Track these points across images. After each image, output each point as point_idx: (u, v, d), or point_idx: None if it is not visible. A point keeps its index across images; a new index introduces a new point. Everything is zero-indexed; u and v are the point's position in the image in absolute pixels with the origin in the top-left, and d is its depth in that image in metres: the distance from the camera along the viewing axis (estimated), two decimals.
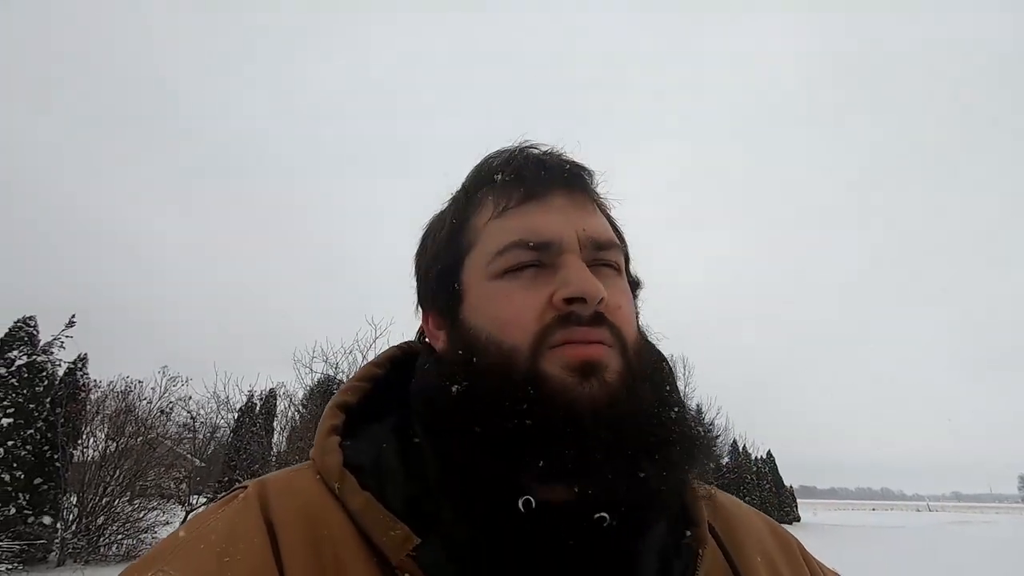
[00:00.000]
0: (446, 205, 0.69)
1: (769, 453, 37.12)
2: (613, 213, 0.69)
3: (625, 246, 0.69)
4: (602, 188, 0.69)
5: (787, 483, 37.55)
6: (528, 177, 0.62)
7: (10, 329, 12.02)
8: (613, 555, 0.52)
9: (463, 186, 0.68)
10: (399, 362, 0.70)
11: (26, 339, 12.01)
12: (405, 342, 0.73)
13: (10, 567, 8.62)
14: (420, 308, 0.69)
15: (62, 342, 12.46)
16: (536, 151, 0.66)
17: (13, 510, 10.44)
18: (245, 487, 0.57)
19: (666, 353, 0.70)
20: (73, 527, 11.47)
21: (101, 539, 11.81)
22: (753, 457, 35.20)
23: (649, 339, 0.65)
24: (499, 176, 0.64)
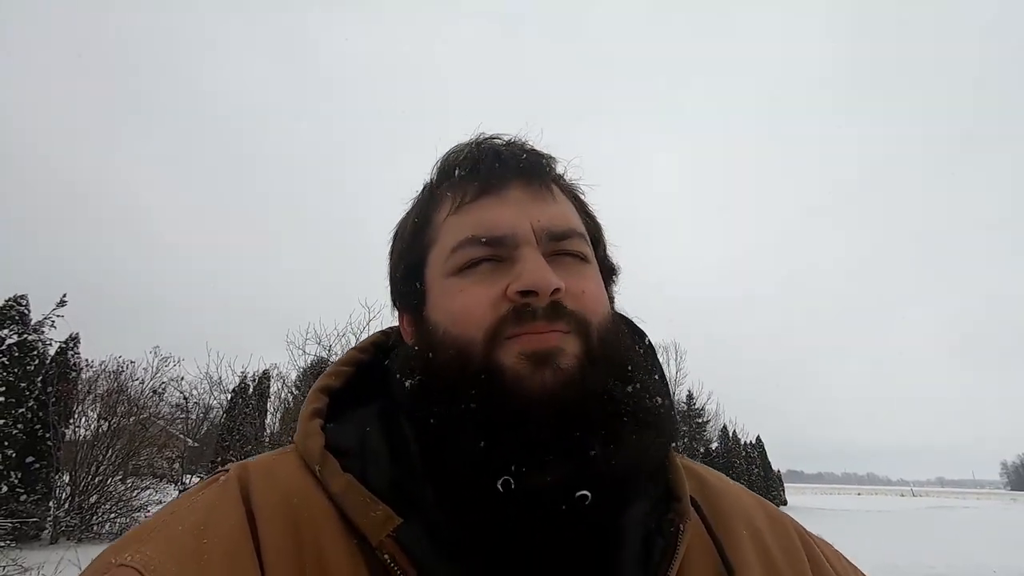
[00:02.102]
0: (412, 203, 0.69)
1: (758, 438, 37.65)
2: (588, 198, 0.69)
3: (596, 231, 0.68)
4: (573, 173, 0.68)
5: (775, 468, 38.14)
6: (483, 170, 0.62)
7: (0, 308, 11.92)
8: (595, 533, 0.52)
9: (426, 183, 0.68)
10: (384, 347, 0.70)
11: (17, 318, 11.92)
12: (390, 327, 0.73)
13: (2, 545, 8.66)
14: (394, 307, 0.70)
15: (53, 321, 12.39)
16: (497, 142, 0.65)
17: (5, 488, 10.45)
18: (227, 470, 0.58)
19: (651, 336, 0.69)
20: (66, 505, 11.50)
21: (94, 517, 11.86)
22: (743, 442, 35.68)
23: (621, 322, 0.64)
24: (457, 171, 0.64)
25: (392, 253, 0.69)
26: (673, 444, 0.61)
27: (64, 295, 12.60)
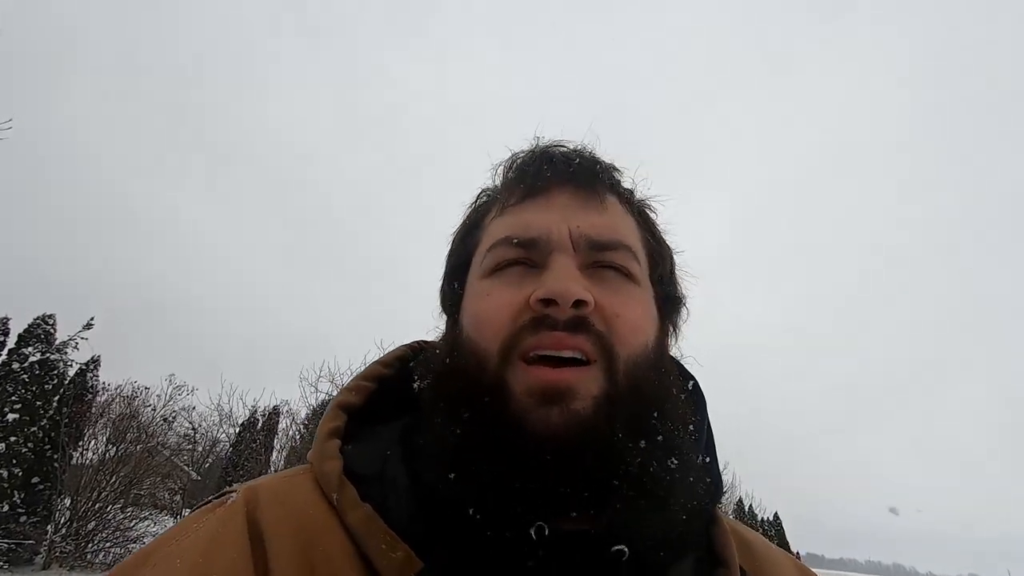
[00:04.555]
0: (468, 206, 0.68)
1: (776, 515, 35.84)
2: (656, 215, 0.66)
3: (659, 252, 0.63)
4: (642, 188, 0.65)
5: (794, 549, 36.08)
6: (531, 173, 0.60)
7: (28, 326, 12.22)
8: None
9: (481, 187, 0.68)
10: (409, 361, 0.66)
11: (43, 337, 12.18)
12: (417, 341, 0.70)
13: None
14: (441, 312, 0.67)
15: (76, 343, 12.63)
16: (557, 149, 0.63)
17: (6, 507, 10.38)
18: (235, 491, 0.53)
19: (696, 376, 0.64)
20: (63, 530, 11.35)
21: (90, 545, 11.65)
22: (759, 518, 33.99)
23: (665, 358, 0.60)
24: (508, 174, 0.63)
25: (447, 256, 0.68)
26: (716, 505, 0.57)
27: (92, 318, 12.90)
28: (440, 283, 0.67)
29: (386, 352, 0.68)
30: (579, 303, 0.50)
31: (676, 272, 0.65)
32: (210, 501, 0.54)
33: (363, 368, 0.65)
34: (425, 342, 0.69)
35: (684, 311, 0.65)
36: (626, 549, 0.47)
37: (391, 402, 0.61)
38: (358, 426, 0.58)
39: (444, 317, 0.66)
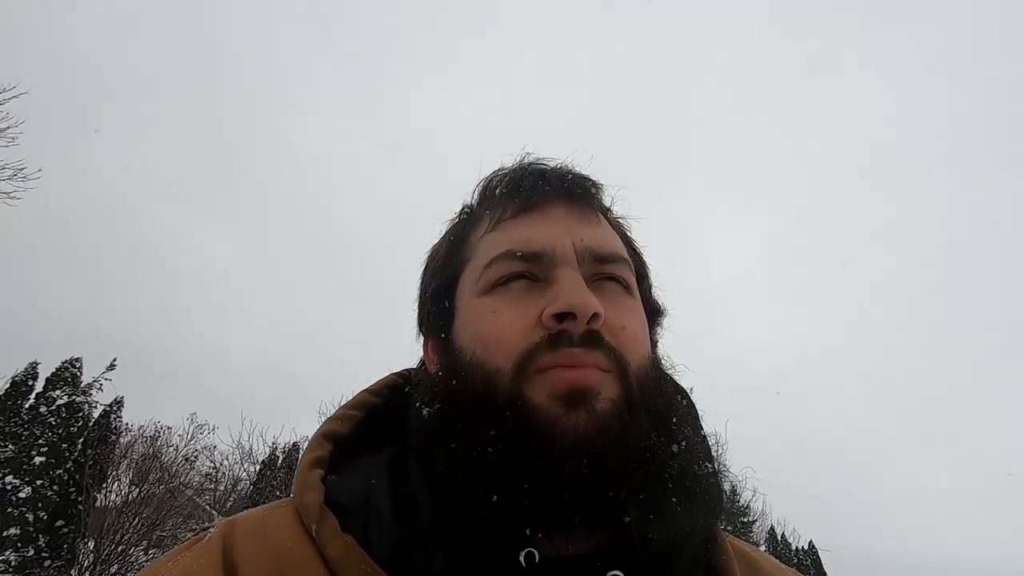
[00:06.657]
0: (449, 223, 0.67)
1: (811, 544, 34.44)
2: (634, 233, 0.67)
3: (642, 267, 0.65)
4: (620, 206, 0.67)
5: None
6: (525, 188, 0.59)
7: (56, 369, 12.51)
8: None
9: (464, 204, 0.67)
10: (399, 390, 0.65)
11: (70, 379, 12.45)
12: (406, 369, 0.68)
13: None
14: (420, 333, 0.66)
15: (101, 384, 12.87)
16: (543, 165, 0.64)
17: (31, 552, 10.43)
18: (213, 527, 0.53)
19: (685, 386, 0.63)
20: (86, 574, 11.34)
21: None
22: (793, 548, 32.70)
23: (663, 368, 0.61)
24: (498, 190, 0.62)
25: (424, 274, 0.66)
26: (720, 520, 0.55)
27: (114, 359, 13.17)
28: (418, 304, 0.66)
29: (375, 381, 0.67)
30: (594, 316, 0.50)
31: (653, 287, 0.67)
32: (189, 538, 0.54)
33: (352, 397, 0.64)
34: (413, 370, 0.68)
35: (663, 324, 0.66)
36: (620, 574, 0.46)
37: (380, 431, 0.60)
38: (344, 456, 0.57)
39: (424, 340, 0.65)
